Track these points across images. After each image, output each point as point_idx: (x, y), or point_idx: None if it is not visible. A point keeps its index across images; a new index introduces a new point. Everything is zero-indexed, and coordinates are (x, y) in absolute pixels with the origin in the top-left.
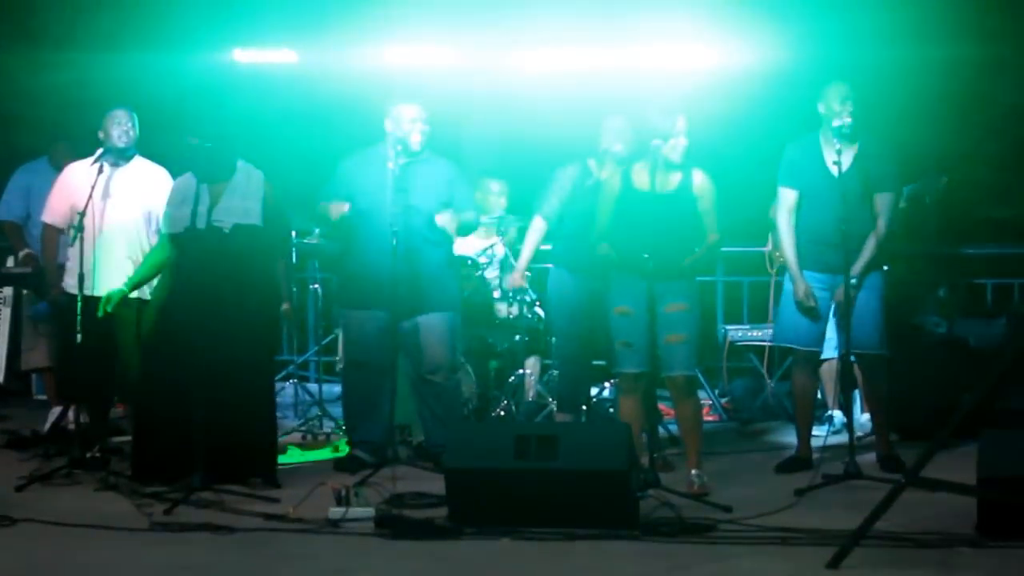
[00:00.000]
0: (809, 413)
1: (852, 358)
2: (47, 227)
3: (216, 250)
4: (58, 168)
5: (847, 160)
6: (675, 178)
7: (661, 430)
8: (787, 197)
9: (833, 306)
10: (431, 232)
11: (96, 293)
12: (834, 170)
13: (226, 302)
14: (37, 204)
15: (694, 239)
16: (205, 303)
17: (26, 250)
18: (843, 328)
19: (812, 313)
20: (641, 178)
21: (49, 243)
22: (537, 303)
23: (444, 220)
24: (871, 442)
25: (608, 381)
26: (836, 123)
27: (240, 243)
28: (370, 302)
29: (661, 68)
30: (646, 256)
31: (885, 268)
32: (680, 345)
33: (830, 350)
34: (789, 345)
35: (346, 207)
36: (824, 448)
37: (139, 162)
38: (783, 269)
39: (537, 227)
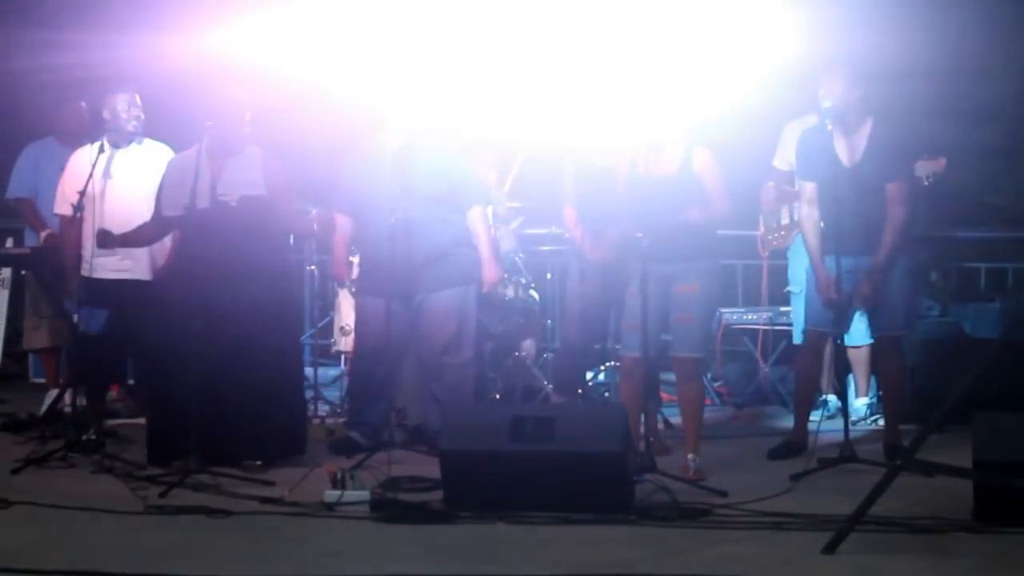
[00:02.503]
0: (809, 398)
1: (853, 343)
2: (61, 219)
3: (225, 225)
4: (66, 144)
5: (859, 148)
6: (675, 157)
7: (658, 416)
8: (806, 190)
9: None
10: (434, 211)
11: (97, 275)
12: (844, 159)
13: (239, 277)
14: (45, 183)
15: (700, 220)
16: (218, 281)
17: (47, 230)
18: (862, 312)
19: (835, 305)
20: (644, 159)
21: (69, 238)
22: (532, 286)
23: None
24: (867, 427)
25: (603, 365)
26: (835, 107)
27: (248, 215)
28: (377, 286)
29: (656, 51)
30: (640, 235)
31: None
32: (687, 326)
33: (863, 337)
34: (823, 330)
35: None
36: (818, 433)
37: (144, 142)
38: (775, 253)
39: (570, 216)
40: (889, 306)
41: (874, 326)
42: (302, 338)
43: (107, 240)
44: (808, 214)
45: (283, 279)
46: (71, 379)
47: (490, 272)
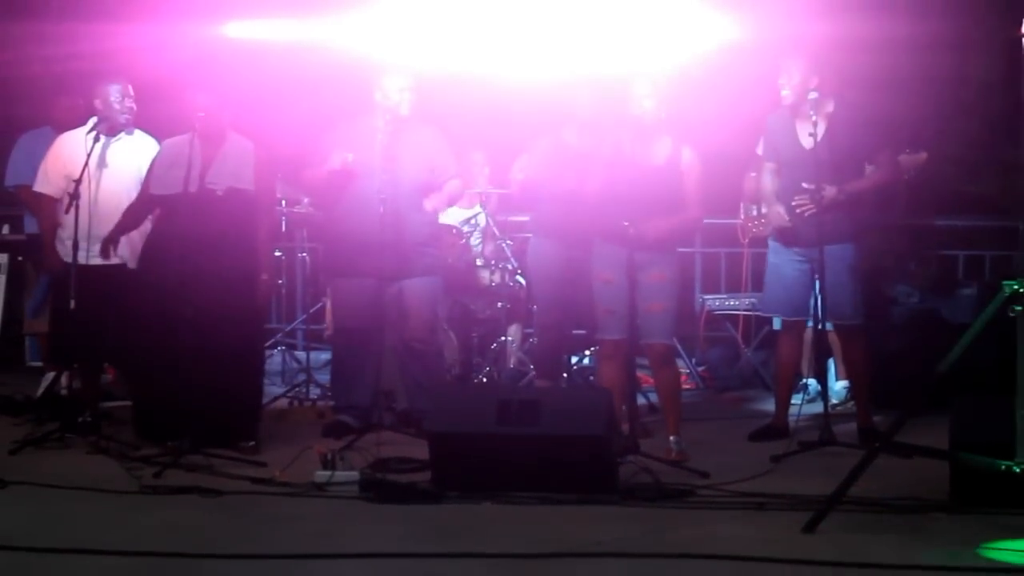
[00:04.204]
0: (789, 382)
1: (829, 326)
2: (42, 196)
3: (209, 213)
4: (61, 134)
5: (819, 131)
6: (662, 150)
7: (640, 398)
8: (767, 167)
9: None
10: (416, 200)
11: (90, 262)
12: (805, 142)
13: (216, 264)
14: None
15: (678, 211)
16: (196, 265)
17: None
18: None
19: (787, 236)
20: (627, 148)
21: (46, 213)
22: (518, 271)
23: (433, 203)
24: (846, 410)
25: (588, 349)
26: (797, 94)
27: (232, 206)
28: (357, 269)
29: (641, 38)
30: (626, 224)
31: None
32: (659, 315)
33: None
34: (773, 315)
35: (350, 156)
36: (799, 416)
37: (135, 133)
38: (756, 241)
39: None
40: (840, 296)
41: (829, 315)
42: (294, 324)
43: (109, 248)
44: (767, 178)
45: (251, 272)
46: (52, 356)
47: (431, 201)
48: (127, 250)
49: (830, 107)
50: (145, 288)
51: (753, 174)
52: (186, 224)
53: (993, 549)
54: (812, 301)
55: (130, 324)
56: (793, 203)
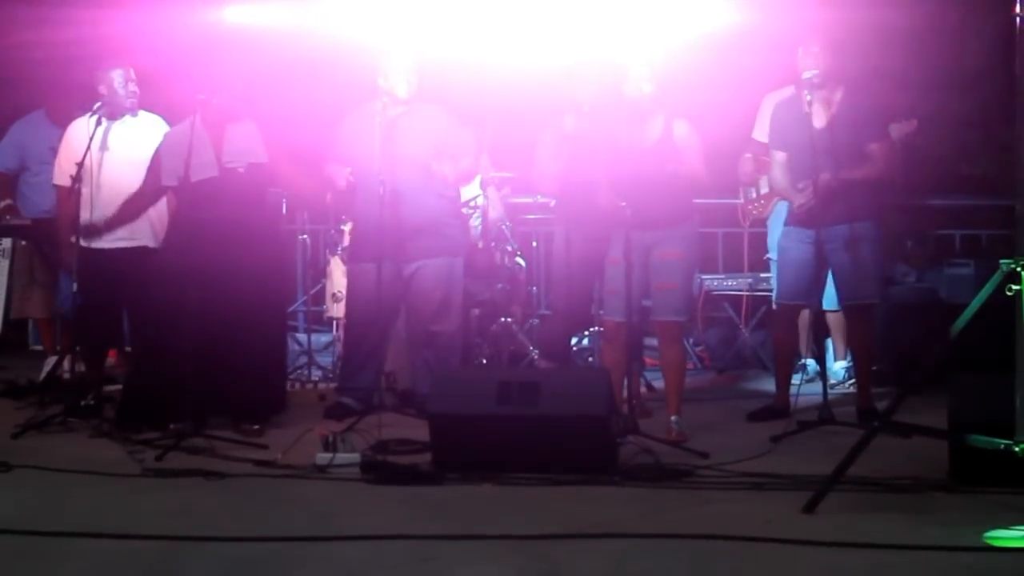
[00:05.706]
0: (788, 363)
1: (831, 308)
2: (58, 189)
3: (233, 191)
4: (55, 121)
5: (828, 113)
6: (656, 129)
7: (640, 380)
8: (778, 158)
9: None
10: (425, 180)
11: (92, 245)
12: (814, 124)
13: (245, 243)
14: (32, 156)
15: (680, 188)
16: (224, 246)
17: (7, 201)
18: (831, 279)
19: (803, 217)
20: (622, 131)
21: (62, 207)
22: (518, 252)
23: (443, 168)
24: (845, 390)
25: (588, 330)
26: (807, 75)
27: (255, 182)
28: (368, 253)
29: (636, 22)
30: (623, 204)
31: None
32: (670, 292)
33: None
34: (783, 301)
35: (348, 172)
36: (798, 396)
37: (139, 115)
38: (754, 222)
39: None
40: (859, 274)
41: (843, 294)
42: (295, 306)
43: (92, 232)
44: (781, 174)
45: (279, 244)
46: (71, 345)
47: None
48: (148, 231)
49: (840, 91)
50: (182, 273)
51: (748, 155)
52: (211, 206)
53: (993, 529)
54: (818, 284)
55: (160, 307)
56: (799, 187)
